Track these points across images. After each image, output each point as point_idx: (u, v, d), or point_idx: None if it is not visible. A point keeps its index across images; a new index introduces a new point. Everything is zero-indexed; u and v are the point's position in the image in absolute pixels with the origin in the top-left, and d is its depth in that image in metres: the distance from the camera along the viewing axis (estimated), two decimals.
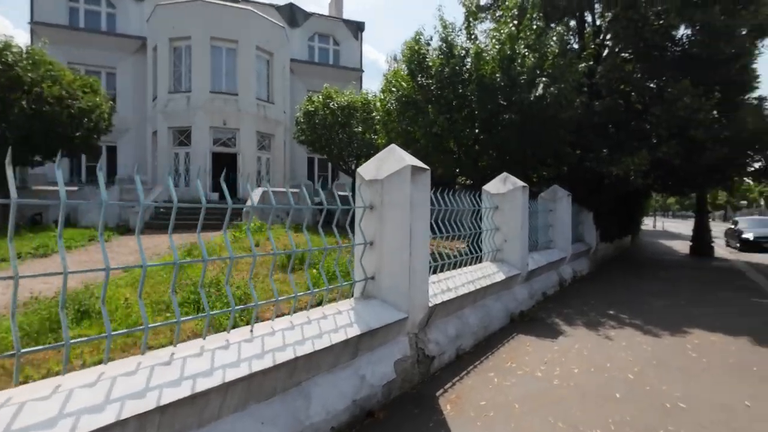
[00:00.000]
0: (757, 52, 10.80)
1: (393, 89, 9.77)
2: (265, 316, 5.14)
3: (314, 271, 6.78)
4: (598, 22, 12.65)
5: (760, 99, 11.49)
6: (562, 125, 9.77)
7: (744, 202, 64.60)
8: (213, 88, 20.22)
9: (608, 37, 12.09)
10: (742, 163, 11.27)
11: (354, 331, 3.00)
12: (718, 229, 37.59)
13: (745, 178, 13.00)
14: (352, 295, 3.74)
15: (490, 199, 6.08)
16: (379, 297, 3.62)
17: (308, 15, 27.54)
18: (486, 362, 4.19)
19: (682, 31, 11.10)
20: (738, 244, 17.69)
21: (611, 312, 6.37)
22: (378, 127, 10.79)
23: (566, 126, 9.89)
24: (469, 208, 5.32)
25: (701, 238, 15.22)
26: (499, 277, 5.49)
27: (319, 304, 3.38)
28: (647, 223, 44.96)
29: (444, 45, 9.22)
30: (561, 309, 6.48)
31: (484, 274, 5.33)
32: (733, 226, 19.96)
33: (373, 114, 12.32)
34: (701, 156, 9.76)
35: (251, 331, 2.59)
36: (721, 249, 17.18)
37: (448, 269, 5.00)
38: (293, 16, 26.98)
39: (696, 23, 10.17)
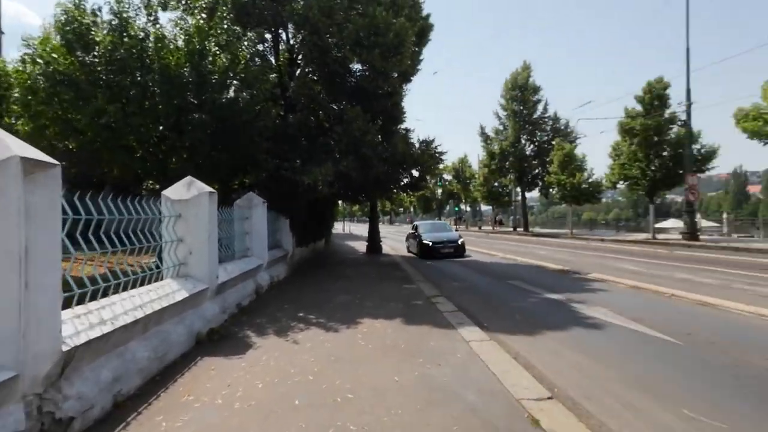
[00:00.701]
0: (403, 93, 14.04)
1: (40, 61, 7.39)
2: None
3: None
4: (291, 42, 13.56)
5: (407, 130, 15.02)
6: (259, 133, 9.83)
7: (401, 209, 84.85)
8: None
9: (300, 57, 13.12)
10: (397, 178, 14.40)
11: None
12: (386, 230, 47.66)
13: (399, 190, 16.69)
14: None
15: (171, 206, 5.28)
16: None
17: None
18: (156, 403, 3.46)
19: (357, 66, 13.23)
20: (418, 250, 17.17)
21: (301, 314, 6.67)
22: (16, 107, 7.95)
23: (263, 134, 10.01)
24: (147, 217, 4.43)
25: (373, 239, 18.62)
26: (182, 295, 4.80)
27: None
28: (338, 228, 52.29)
29: (117, 20, 7.65)
30: (255, 320, 6.32)
31: (161, 294, 4.51)
32: (413, 231, 19.11)
33: (14, 91, 9.09)
34: (370, 171, 11.81)
35: None
36: (389, 248, 21.50)
37: (111, 293, 3.96)
38: None
39: (365, 61, 12.29)
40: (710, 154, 22.14)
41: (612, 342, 5.23)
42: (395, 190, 16.00)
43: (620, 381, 3.95)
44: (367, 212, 22.25)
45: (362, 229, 51.95)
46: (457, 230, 22.00)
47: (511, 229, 41.15)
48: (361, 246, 22.38)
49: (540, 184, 36.33)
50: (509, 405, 3.37)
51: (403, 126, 14.78)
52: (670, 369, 4.22)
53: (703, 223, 29.33)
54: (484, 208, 60.01)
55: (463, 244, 16.78)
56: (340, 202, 23.28)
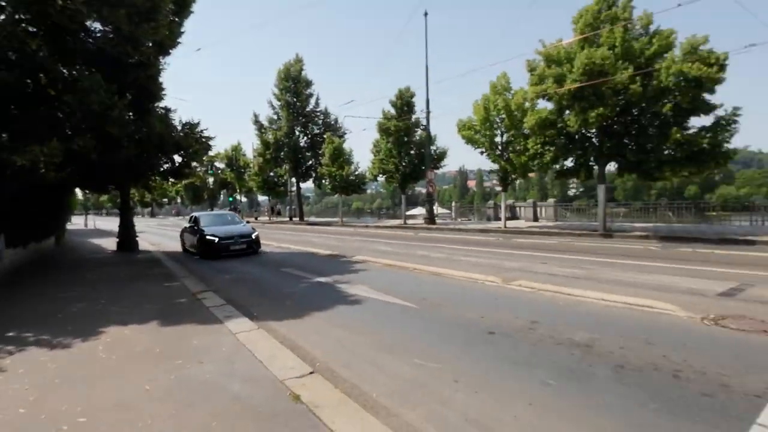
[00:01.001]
0: (161, 66, 12.33)
1: None
2: None
3: None
4: None
5: (167, 109, 13.23)
6: None
7: (166, 200, 75.26)
8: None
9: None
10: (155, 163, 12.60)
11: None
12: (146, 223, 41.41)
13: (159, 178, 14.66)
14: None
15: None
16: None
17: None
18: None
19: (98, 25, 10.85)
20: (200, 247, 13.49)
21: (12, 334, 5.14)
22: None
23: None
24: None
25: (127, 234, 15.89)
26: None
27: None
28: (77, 223, 42.72)
29: None
30: None
31: None
32: (192, 225, 15.01)
33: None
34: (118, 153, 9.96)
35: None
36: (148, 243, 18.73)
37: None
38: None
39: (108, 21, 10.19)
40: (443, 155, 27.56)
41: (368, 314, 5.93)
42: (154, 177, 13.98)
43: (372, 346, 4.51)
44: (119, 203, 18.77)
45: (113, 223, 43.67)
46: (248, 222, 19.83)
47: (288, 219, 41.92)
48: (110, 243, 18.83)
49: (314, 175, 38.08)
50: (273, 387, 3.41)
51: (162, 104, 12.99)
52: (408, 329, 5.08)
53: (439, 210, 36.55)
54: (261, 198, 59.14)
55: (257, 238, 14.14)
56: (78, 190, 18.90)
